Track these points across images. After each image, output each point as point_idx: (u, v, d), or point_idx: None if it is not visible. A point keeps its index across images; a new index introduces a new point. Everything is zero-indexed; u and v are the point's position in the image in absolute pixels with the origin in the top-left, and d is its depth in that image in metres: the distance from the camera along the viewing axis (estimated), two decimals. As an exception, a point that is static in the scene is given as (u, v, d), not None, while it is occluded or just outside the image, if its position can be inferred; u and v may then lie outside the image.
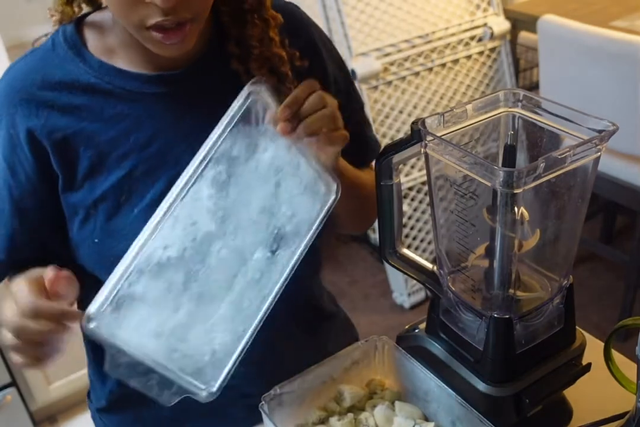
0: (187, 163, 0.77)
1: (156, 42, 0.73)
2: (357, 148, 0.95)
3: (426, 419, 0.79)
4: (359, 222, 1.02)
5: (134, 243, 0.64)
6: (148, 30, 0.72)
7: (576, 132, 0.69)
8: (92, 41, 0.83)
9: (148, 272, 0.64)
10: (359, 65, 2.13)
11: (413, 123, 0.71)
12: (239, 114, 0.71)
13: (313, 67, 0.88)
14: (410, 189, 2.33)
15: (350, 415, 0.79)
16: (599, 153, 0.67)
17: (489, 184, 0.65)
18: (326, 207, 0.78)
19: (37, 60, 0.82)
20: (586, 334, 0.83)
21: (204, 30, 0.81)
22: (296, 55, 0.85)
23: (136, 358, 0.63)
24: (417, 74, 2.30)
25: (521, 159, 0.75)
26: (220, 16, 0.83)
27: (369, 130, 1.00)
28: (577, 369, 0.78)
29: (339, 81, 0.94)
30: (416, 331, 0.84)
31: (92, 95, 0.80)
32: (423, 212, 2.37)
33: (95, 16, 0.85)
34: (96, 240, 0.81)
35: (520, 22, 2.46)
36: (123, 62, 0.82)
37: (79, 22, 0.84)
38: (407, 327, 0.86)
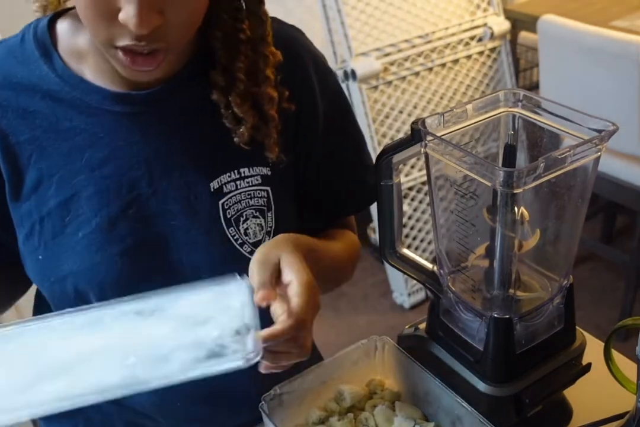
0: (142, 191, 0.75)
1: (123, 65, 0.68)
2: (350, 194, 0.92)
3: (426, 419, 0.79)
4: (334, 286, 0.99)
5: None
6: (116, 50, 0.66)
7: (576, 132, 0.69)
8: (64, 41, 0.76)
9: None
10: (359, 65, 2.13)
11: (413, 123, 0.71)
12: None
13: (302, 105, 0.83)
14: (410, 189, 2.33)
15: (350, 415, 0.79)
16: (599, 153, 0.67)
17: (489, 184, 0.65)
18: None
19: (2, 55, 0.77)
20: (586, 334, 0.83)
21: (184, 49, 0.75)
22: (285, 96, 0.79)
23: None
24: (417, 74, 2.30)
25: (521, 159, 0.75)
26: (211, 41, 0.76)
27: (365, 174, 0.91)
28: (577, 369, 0.78)
29: (334, 119, 0.88)
30: (416, 331, 0.84)
31: (51, 103, 0.75)
32: (423, 212, 2.37)
33: (74, 11, 0.77)
34: (40, 257, 0.77)
35: (520, 22, 2.46)
36: (90, 70, 0.76)
37: (56, 17, 0.78)
38: (407, 327, 0.86)
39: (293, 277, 0.66)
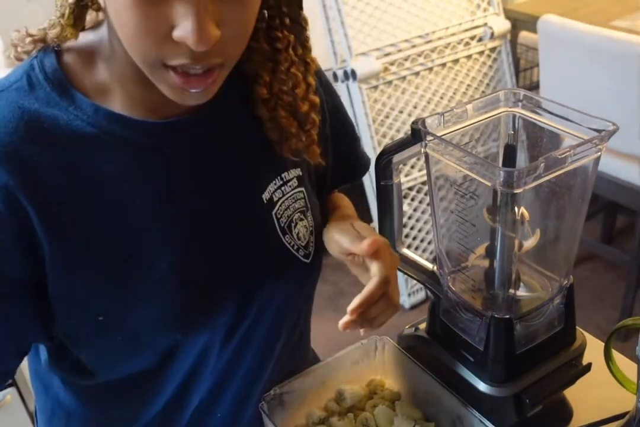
0: (202, 220, 0.72)
1: (174, 86, 0.61)
2: (349, 165, 0.95)
3: (426, 419, 0.79)
4: None
5: None
6: (167, 70, 0.60)
7: (576, 132, 0.69)
8: (80, 76, 0.68)
9: None
10: (359, 65, 2.13)
11: (413, 123, 0.71)
12: None
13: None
14: (410, 189, 2.33)
15: (351, 415, 0.79)
16: (599, 153, 0.67)
17: (489, 184, 0.65)
18: None
19: (13, 105, 0.65)
20: (586, 334, 0.83)
21: None
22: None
23: None
24: (417, 73, 2.30)
25: (521, 159, 0.75)
26: (248, 54, 0.70)
27: (359, 146, 0.96)
28: (578, 369, 0.78)
29: (333, 112, 0.88)
30: (416, 331, 0.84)
31: (88, 148, 0.66)
32: (423, 212, 2.37)
33: (78, 40, 0.68)
34: (100, 318, 0.69)
35: (521, 22, 2.46)
36: (120, 103, 0.68)
37: (57, 50, 0.68)
38: (407, 327, 0.86)
39: (368, 235, 0.76)
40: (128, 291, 0.70)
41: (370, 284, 0.71)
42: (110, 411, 0.84)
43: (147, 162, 0.69)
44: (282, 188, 0.80)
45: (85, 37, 0.69)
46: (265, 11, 0.71)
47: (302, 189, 0.83)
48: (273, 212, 0.78)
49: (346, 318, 0.72)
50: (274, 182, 0.79)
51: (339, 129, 0.90)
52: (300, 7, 0.73)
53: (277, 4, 0.71)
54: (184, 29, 0.56)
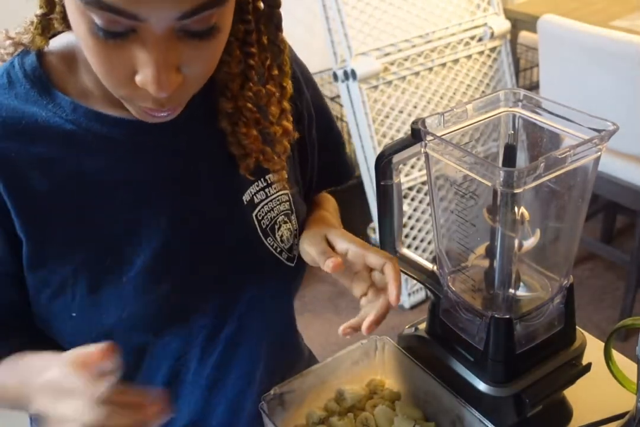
0: (182, 218, 0.71)
1: (140, 113, 0.63)
2: (334, 170, 0.95)
3: (426, 419, 0.79)
4: None
5: None
6: (135, 104, 0.62)
7: (576, 132, 0.69)
8: (60, 75, 0.68)
9: None
10: (359, 65, 2.13)
11: (413, 123, 0.70)
12: None
13: (298, 110, 0.82)
14: (410, 189, 2.33)
15: (350, 415, 0.79)
16: (599, 153, 0.67)
17: (489, 184, 0.65)
18: None
19: None
20: (586, 334, 0.83)
21: None
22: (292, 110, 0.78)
23: None
24: (417, 73, 2.30)
25: (521, 159, 0.75)
26: (220, 65, 0.68)
27: (344, 152, 0.96)
28: (577, 369, 0.78)
29: (320, 116, 0.88)
30: (416, 331, 0.84)
31: (67, 145, 0.67)
32: (423, 212, 2.37)
33: (60, 41, 0.69)
34: (74, 314, 0.70)
35: (521, 21, 2.46)
36: (99, 102, 0.69)
37: (38, 54, 0.69)
38: (407, 327, 0.86)
39: (348, 244, 0.75)
40: (103, 287, 0.70)
41: (388, 265, 0.72)
42: None
43: (127, 159, 0.70)
44: (266, 190, 0.80)
45: (67, 39, 0.70)
46: (241, 26, 0.68)
47: (287, 191, 0.82)
48: (254, 214, 0.78)
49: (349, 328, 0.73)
50: (256, 183, 0.79)
51: (325, 133, 0.90)
52: (280, 29, 0.71)
53: (255, 20, 0.69)
54: (144, 76, 0.57)
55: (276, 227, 0.80)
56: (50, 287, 0.69)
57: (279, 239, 0.80)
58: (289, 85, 0.75)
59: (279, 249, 0.80)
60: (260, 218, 0.79)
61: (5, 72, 0.68)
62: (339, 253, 0.76)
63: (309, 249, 0.78)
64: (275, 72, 0.73)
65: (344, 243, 0.76)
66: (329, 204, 0.96)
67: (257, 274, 0.79)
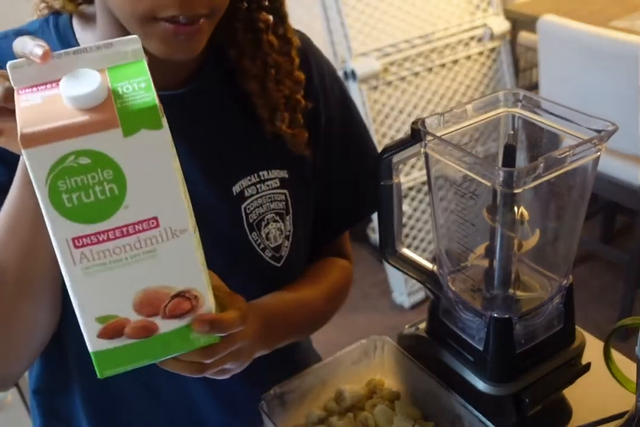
0: None
1: (163, 37, 0.65)
2: (355, 201, 0.92)
3: (426, 419, 0.79)
4: (310, 332, 0.94)
5: None
6: (157, 22, 0.64)
7: (576, 132, 0.69)
8: (84, 37, 0.76)
9: None
10: (359, 65, 2.13)
11: (413, 123, 0.71)
12: None
13: (314, 99, 0.83)
14: (410, 189, 2.33)
15: (350, 415, 0.79)
16: (599, 153, 0.67)
17: (488, 184, 0.65)
18: None
19: None
20: (586, 334, 0.83)
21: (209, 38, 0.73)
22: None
23: None
24: (417, 74, 2.30)
25: (521, 159, 0.75)
26: (232, 34, 0.76)
27: (367, 181, 0.87)
28: (577, 369, 0.78)
29: (339, 128, 0.88)
30: (416, 330, 0.84)
31: None
32: (423, 212, 2.37)
33: (85, 10, 0.77)
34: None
35: (520, 22, 2.46)
36: None
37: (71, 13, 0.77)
38: (407, 327, 0.86)
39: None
40: None
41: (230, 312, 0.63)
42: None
43: None
44: (258, 185, 0.80)
45: (87, 10, 0.77)
46: None
47: (285, 191, 0.82)
48: (242, 206, 0.79)
49: None
50: (248, 177, 0.79)
51: (339, 150, 0.89)
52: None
53: None
54: None
55: (263, 223, 0.81)
56: None
57: (264, 236, 0.80)
58: (292, 36, 0.78)
59: (262, 246, 0.80)
60: (248, 212, 0.79)
61: (40, 26, 0.76)
62: None
63: None
64: (281, 29, 0.77)
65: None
66: (330, 271, 0.92)
67: (237, 265, 0.79)
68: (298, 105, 0.79)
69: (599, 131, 0.66)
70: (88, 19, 0.76)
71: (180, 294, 0.57)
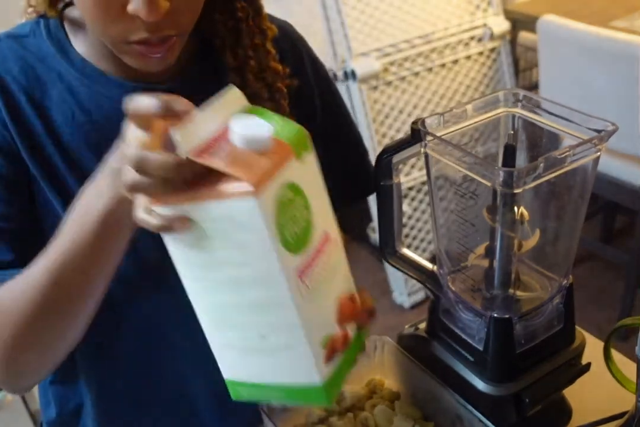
0: None
1: (137, 56, 0.68)
2: (351, 182, 0.94)
3: (426, 419, 0.79)
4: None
5: None
6: (129, 45, 0.67)
7: (576, 132, 0.69)
8: (75, 38, 0.77)
9: None
10: (359, 65, 2.13)
11: (413, 123, 0.71)
12: None
13: (300, 86, 0.85)
14: (410, 189, 2.33)
15: (350, 415, 0.79)
16: (599, 153, 0.67)
17: (488, 184, 0.65)
18: None
19: (16, 48, 0.75)
20: (586, 334, 0.83)
21: (188, 43, 0.76)
22: (286, 73, 0.81)
23: None
24: (417, 74, 2.30)
25: (521, 159, 0.75)
26: (214, 26, 0.78)
27: (363, 163, 0.95)
28: (577, 369, 0.78)
29: (328, 103, 0.90)
30: (416, 330, 0.84)
31: (68, 97, 0.75)
32: (423, 212, 2.37)
33: (71, 13, 0.78)
34: None
35: (520, 22, 2.46)
36: (105, 64, 0.76)
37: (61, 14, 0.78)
38: (407, 327, 0.86)
39: None
40: None
41: None
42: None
43: (121, 119, 0.72)
44: None
45: (76, 11, 0.78)
46: None
47: None
48: None
49: None
50: None
51: (334, 121, 0.91)
52: None
53: None
54: (135, 3, 0.62)
55: None
56: (47, 221, 0.75)
57: None
58: (269, 28, 0.80)
59: None
60: None
61: (32, 29, 0.77)
62: None
63: None
64: (257, 19, 0.79)
65: None
66: None
67: None
68: (279, 94, 0.80)
69: (599, 131, 0.66)
70: (77, 22, 0.77)
71: (349, 297, 0.60)
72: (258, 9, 0.79)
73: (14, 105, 0.74)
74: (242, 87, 0.76)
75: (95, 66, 0.76)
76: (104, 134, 0.73)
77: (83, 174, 0.72)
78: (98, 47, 0.75)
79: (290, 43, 0.87)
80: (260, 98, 0.78)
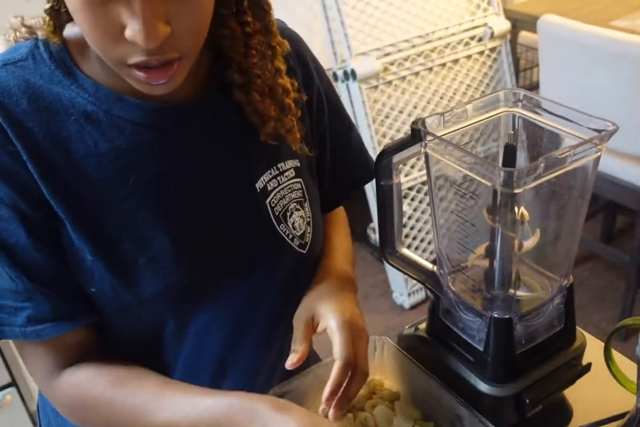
0: (195, 205, 0.73)
1: (138, 81, 0.65)
2: (352, 169, 0.94)
3: (426, 419, 0.79)
4: None
5: None
6: (129, 68, 0.63)
7: (576, 132, 0.69)
8: (79, 60, 0.71)
9: None
10: (359, 65, 2.13)
11: (413, 123, 0.71)
12: None
13: (310, 96, 0.84)
14: (410, 189, 2.33)
15: (350, 415, 0.79)
16: (599, 153, 0.67)
17: (489, 184, 0.65)
18: None
19: (19, 79, 0.69)
20: (586, 334, 0.83)
21: (202, 57, 0.73)
22: (295, 86, 0.79)
23: None
24: (417, 73, 2.30)
25: (521, 159, 0.75)
26: (221, 41, 0.74)
27: (366, 151, 0.96)
28: (577, 369, 0.78)
29: (331, 107, 0.90)
30: (416, 331, 0.84)
31: (87, 126, 0.70)
32: (423, 212, 2.37)
33: (72, 34, 0.72)
34: (93, 289, 0.73)
35: (520, 21, 2.46)
36: (119, 86, 0.70)
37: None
38: (407, 327, 0.86)
39: (329, 323, 0.73)
40: (121, 268, 0.72)
41: (334, 371, 0.70)
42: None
43: (145, 143, 0.72)
44: (278, 178, 0.81)
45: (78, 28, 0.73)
46: None
47: (300, 180, 0.83)
48: (267, 201, 0.80)
49: (322, 405, 0.71)
50: (268, 171, 0.80)
51: (336, 124, 0.91)
52: None
53: None
54: (132, 29, 0.59)
55: (288, 214, 0.82)
56: (74, 263, 0.72)
57: (290, 226, 0.81)
58: (279, 44, 0.76)
59: (291, 236, 0.81)
60: (273, 205, 0.80)
61: (30, 53, 0.71)
62: (318, 330, 0.77)
63: (295, 318, 0.79)
64: (265, 33, 0.75)
65: (326, 321, 0.75)
66: (341, 236, 0.95)
67: (269, 259, 0.81)
68: (289, 111, 0.78)
69: (599, 131, 0.66)
70: (82, 41, 0.69)
71: None
72: (268, 24, 0.75)
73: (31, 141, 0.68)
74: (247, 105, 0.76)
75: (108, 88, 0.70)
76: (128, 160, 0.71)
77: (110, 209, 0.71)
78: (108, 66, 0.68)
79: (297, 53, 0.84)
80: (267, 116, 0.76)
